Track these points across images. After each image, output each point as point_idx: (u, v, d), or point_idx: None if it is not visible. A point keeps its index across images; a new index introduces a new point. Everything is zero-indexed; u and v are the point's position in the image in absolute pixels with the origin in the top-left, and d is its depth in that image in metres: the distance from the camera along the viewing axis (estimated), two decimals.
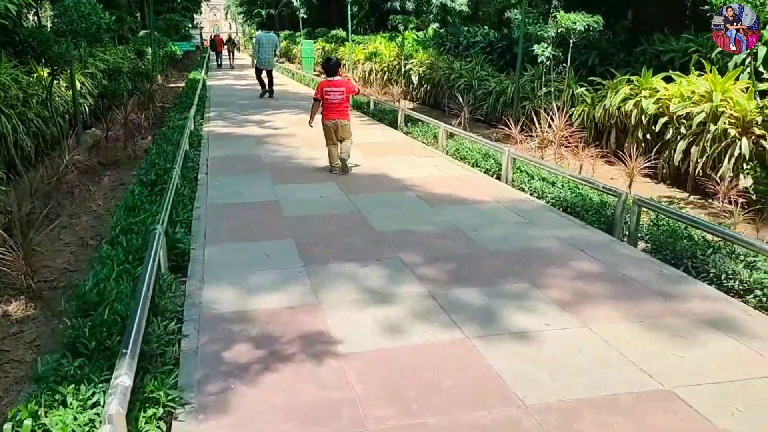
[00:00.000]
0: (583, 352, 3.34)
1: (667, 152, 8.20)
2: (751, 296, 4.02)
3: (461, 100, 11.64)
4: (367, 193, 6.83)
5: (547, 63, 9.87)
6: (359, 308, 3.88)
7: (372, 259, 4.75)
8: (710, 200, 7.33)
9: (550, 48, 9.69)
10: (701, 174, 7.49)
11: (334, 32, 28.22)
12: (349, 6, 20.92)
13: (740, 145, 6.97)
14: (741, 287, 4.16)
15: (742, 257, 4.40)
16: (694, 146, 7.55)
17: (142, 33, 26.26)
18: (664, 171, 8.27)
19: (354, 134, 8.08)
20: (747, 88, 7.38)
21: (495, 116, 12.33)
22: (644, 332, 3.55)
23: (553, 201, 6.46)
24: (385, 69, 19.71)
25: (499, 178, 7.72)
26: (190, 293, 4.08)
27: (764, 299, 3.96)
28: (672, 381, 3.06)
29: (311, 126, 8.16)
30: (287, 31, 42.86)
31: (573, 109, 10.12)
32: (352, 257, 4.77)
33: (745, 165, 7.00)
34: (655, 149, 8.39)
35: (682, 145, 7.70)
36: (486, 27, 24.88)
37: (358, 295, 4.07)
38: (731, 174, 7.03)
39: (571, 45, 9.74)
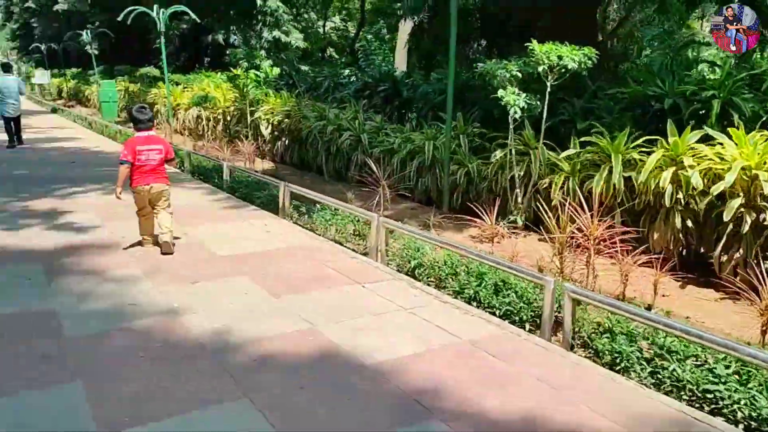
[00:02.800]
0: None
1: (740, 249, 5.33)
2: None
3: (374, 167, 7.97)
4: None
5: (519, 117, 6.64)
6: None
7: None
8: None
9: (524, 95, 6.48)
10: None
11: (144, 70, 22.98)
12: (162, 39, 16.06)
13: None
14: None
15: None
16: None
17: None
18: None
19: (216, 229, 4.33)
20: None
21: (423, 188, 8.65)
22: None
23: None
24: (219, 117, 15.43)
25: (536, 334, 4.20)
26: None
27: None
28: None
29: (119, 198, 5.78)
30: (74, 69, 36.37)
31: (541, 181, 7.05)
32: None
33: None
34: (722, 244, 5.50)
35: None
36: (330, 64, 21.68)
37: None
38: None
39: (549, 89, 6.63)
